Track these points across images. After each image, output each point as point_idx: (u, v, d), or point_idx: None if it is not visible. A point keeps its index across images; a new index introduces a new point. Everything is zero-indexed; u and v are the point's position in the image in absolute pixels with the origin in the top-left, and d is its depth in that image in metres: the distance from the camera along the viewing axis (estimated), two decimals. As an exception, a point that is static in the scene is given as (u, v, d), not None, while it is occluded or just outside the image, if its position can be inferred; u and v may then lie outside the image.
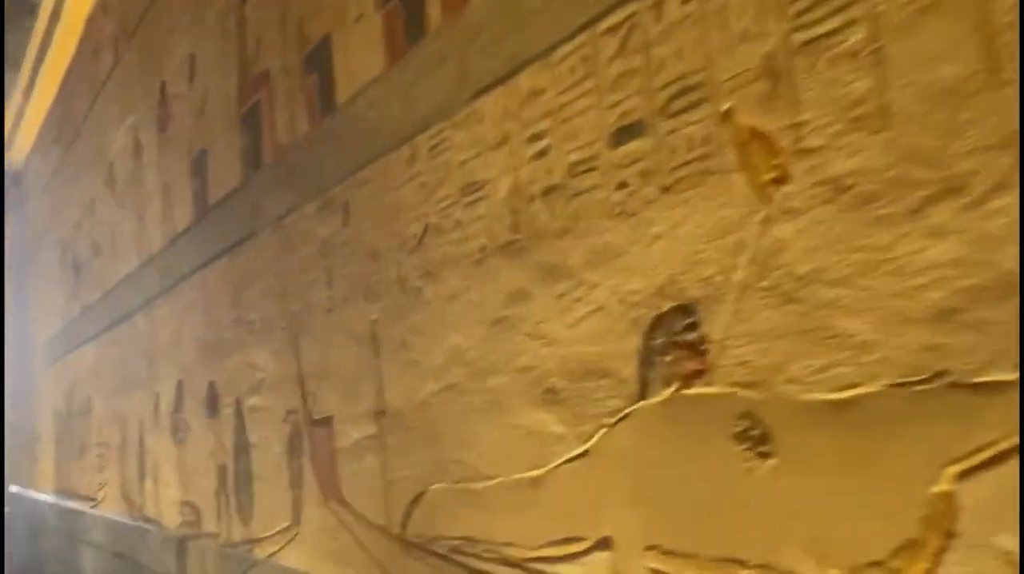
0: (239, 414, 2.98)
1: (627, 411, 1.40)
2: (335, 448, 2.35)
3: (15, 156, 7.80)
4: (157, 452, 3.88)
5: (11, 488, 4.53)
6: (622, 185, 1.41)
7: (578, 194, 1.50)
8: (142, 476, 4.14)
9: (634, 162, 1.39)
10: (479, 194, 1.75)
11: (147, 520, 4.04)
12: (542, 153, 1.58)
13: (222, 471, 3.14)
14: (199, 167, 3.32)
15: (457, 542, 1.84)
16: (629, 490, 1.41)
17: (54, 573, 4.85)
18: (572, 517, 1.52)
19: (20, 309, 7.85)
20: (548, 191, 1.56)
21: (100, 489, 5.03)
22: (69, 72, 5.68)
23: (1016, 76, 0.92)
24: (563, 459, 1.53)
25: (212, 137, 3.20)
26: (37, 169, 7.09)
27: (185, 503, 3.51)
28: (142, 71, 4.06)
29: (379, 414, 2.13)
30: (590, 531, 1.48)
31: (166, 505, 3.76)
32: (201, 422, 3.33)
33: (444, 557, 1.87)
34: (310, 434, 2.49)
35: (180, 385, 3.57)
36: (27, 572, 4.50)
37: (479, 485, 1.77)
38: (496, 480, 1.72)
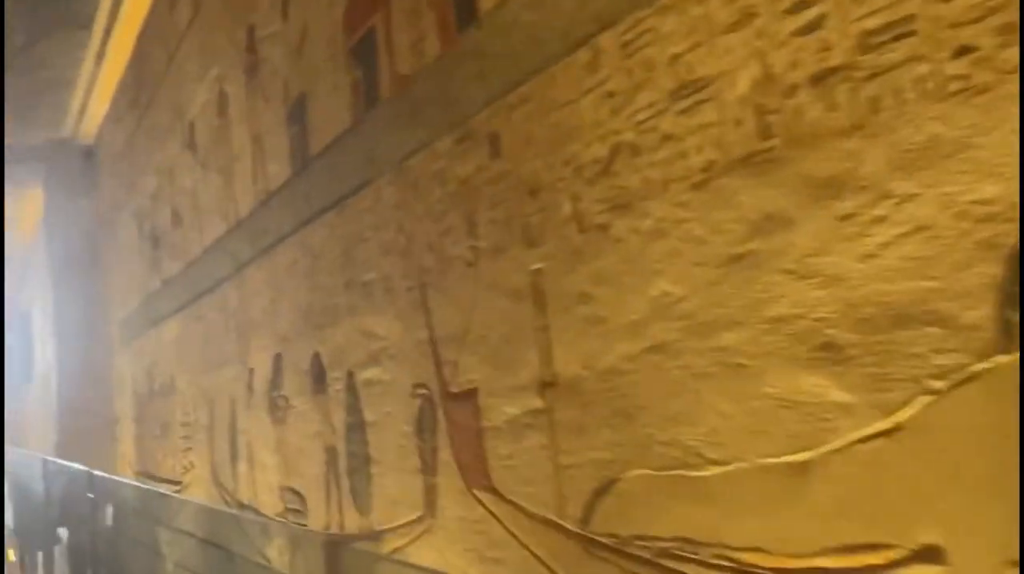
0: (352, 389, 2.64)
1: (973, 370, 1.00)
2: (481, 427, 1.99)
3: (87, 129, 7.61)
4: (252, 433, 3.58)
5: (95, 472, 4.28)
6: (962, 51, 1.00)
7: (877, 74, 1.09)
8: (235, 459, 3.85)
9: (982, 16, 0.98)
10: (701, 95, 1.36)
11: (241, 506, 3.75)
12: (813, 25, 1.17)
13: (331, 453, 2.80)
14: (298, 114, 2.98)
15: (668, 544, 1.46)
16: (972, 481, 1.01)
17: (135, 562, 4.61)
18: (869, 516, 1.12)
19: (95, 289, 7.69)
20: (823, 76, 1.16)
21: (186, 472, 4.78)
22: (144, 31, 5.40)
23: None
24: (853, 438, 1.14)
25: (313, 78, 2.85)
26: (111, 140, 6.87)
27: (287, 489, 3.19)
28: (226, 16, 3.73)
29: (545, 385, 1.76)
30: (902, 537, 1.08)
31: (264, 490, 3.46)
32: (304, 399, 3.01)
33: (648, 561, 1.50)
34: (447, 410, 2.13)
35: (278, 359, 3.25)
36: (107, 560, 4.28)
37: (703, 472, 1.38)
38: (731, 466, 1.33)
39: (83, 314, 7.71)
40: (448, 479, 2.14)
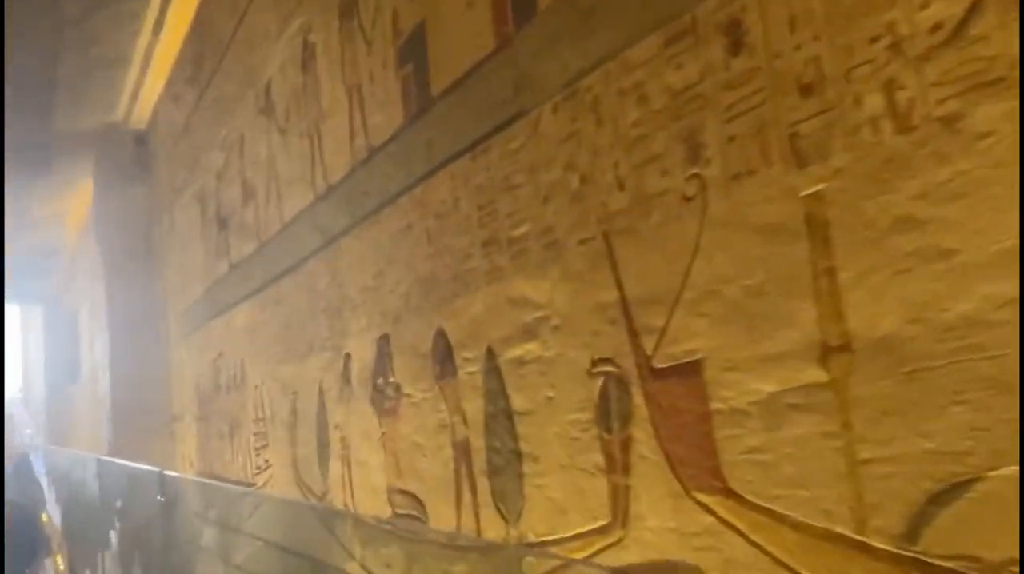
0: (494, 371, 2.19)
1: None
2: (709, 410, 1.52)
3: (139, 113, 7.26)
4: (349, 427, 3.14)
5: (167, 473, 3.88)
6: None
7: None
8: (324, 458, 3.42)
9: None
10: None
11: (332, 511, 3.31)
12: None
13: (462, 449, 2.35)
14: (413, 49, 2.53)
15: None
16: None
17: (203, 571, 4.21)
18: None
19: (150, 281, 7.33)
20: None
21: (259, 473, 4.36)
22: (207, -3, 5.01)
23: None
24: None
25: (434, 1, 2.40)
26: (167, 121, 6.50)
27: (397, 491, 2.75)
28: (314, -44, 3.31)
29: (831, 350, 1.29)
30: None
31: (365, 493, 3.02)
32: (423, 386, 2.56)
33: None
34: (649, 391, 1.66)
35: (384, 341, 2.81)
36: (173, 567, 3.89)
37: None
38: None
39: (137, 308, 7.37)
40: (648, 480, 1.67)
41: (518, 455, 2.10)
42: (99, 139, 7.49)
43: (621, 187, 1.72)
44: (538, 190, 1.98)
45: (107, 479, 6.08)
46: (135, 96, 6.96)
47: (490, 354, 2.21)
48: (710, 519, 1.52)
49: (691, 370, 1.55)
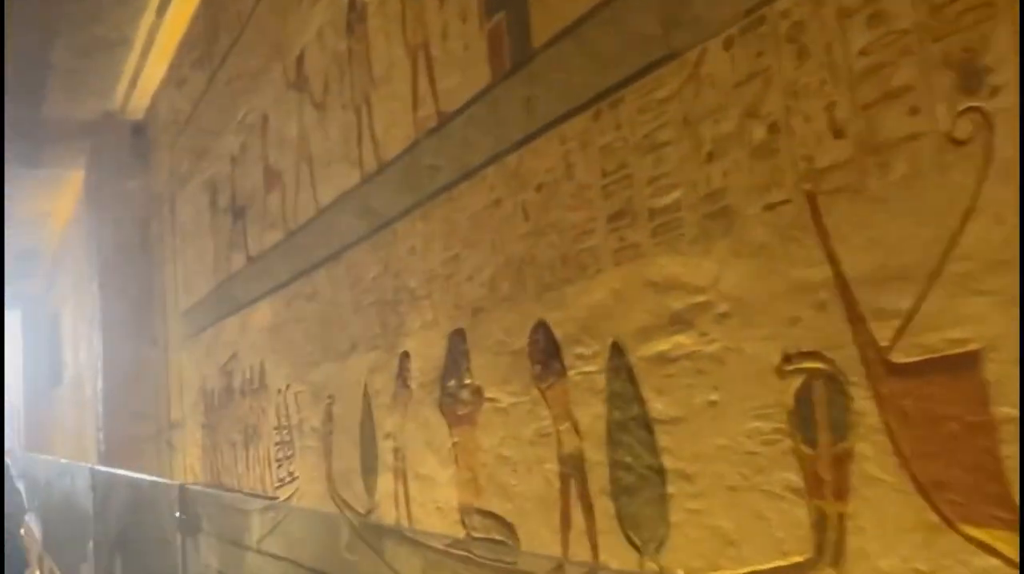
0: (622, 371, 1.81)
1: None
2: (991, 419, 1.16)
3: (137, 101, 6.85)
4: (405, 436, 2.76)
5: (190, 486, 3.48)
6: None
7: None
8: (370, 470, 3.03)
9: None
10: None
11: (382, 530, 2.92)
12: None
13: (571, 464, 1.98)
14: (506, -7, 2.17)
15: None
16: None
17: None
18: None
19: (147, 280, 6.91)
20: None
21: (282, 485, 3.96)
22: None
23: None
24: None
25: (541, -65, 2.03)
26: (171, 108, 6.09)
27: (475, 510, 2.37)
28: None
29: None
30: None
31: (427, 511, 2.63)
32: (514, 389, 2.18)
33: None
34: (883, 393, 1.30)
35: (459, 337, 2.43)
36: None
37: None
38: None
39: (133, 308, 6.95)
40: (880, 507, 1.30)
41: (659, 472, 1.73)
42: (93, 129, 7.06)
43: (839, 134, 1.35)
44: (698, 147, 1.62)
45: (104, 491, 5.65)
46: (134, 83, 6.55)
47: (616, 350, 1.84)
48: (993, 561, 1.15)
49: (961, 365, 1.19)
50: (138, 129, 7.10)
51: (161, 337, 6.56)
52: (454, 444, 2.48)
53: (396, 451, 2.83)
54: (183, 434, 6.02)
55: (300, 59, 3.57)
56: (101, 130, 7.02)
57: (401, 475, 2.80)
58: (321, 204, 3.40)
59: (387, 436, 2.90)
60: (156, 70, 6.16)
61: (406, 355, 2.76)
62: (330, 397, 3.39)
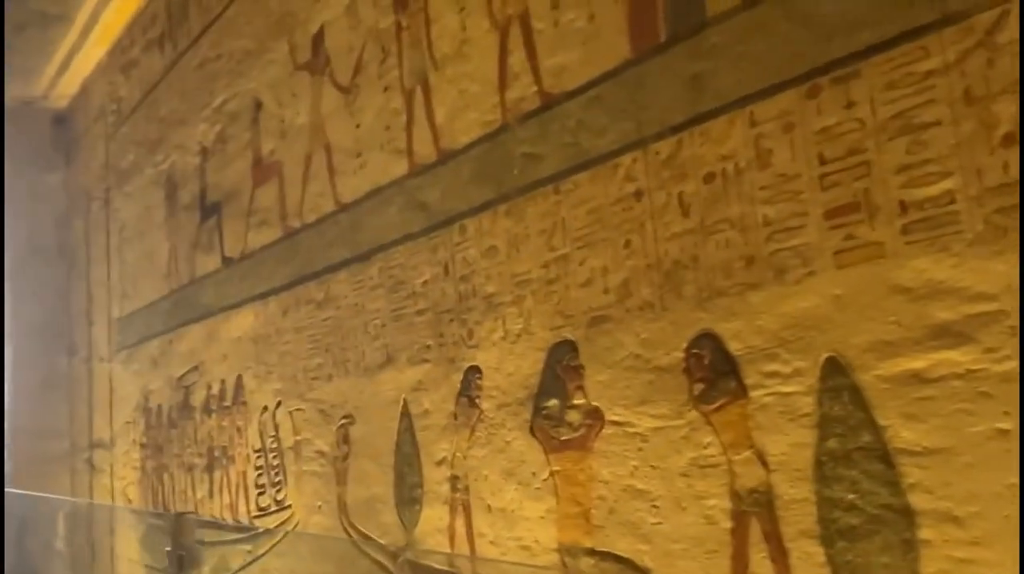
0: (845, 392, 1.53)
1: None
2: None
3: (64, 88, 6.21)
4: (471, 462, 2.40)
5: (188, 515, 3.01)
6: None
7: None
8: (411, 500, 2.64)
9: None
10: None
11: (429, 569, 2.54)
12: None
13: (755, 500, 1.67)
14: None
15: None
16: None
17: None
18: None
19: (67, 283, 6.26)
20: None
21: (266, 515, 3.50)
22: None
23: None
24: None
25: None
26: (109, 94, 5.51)
27: (586, 551, 2.03)
28: None
29: None
30: None
31: (503, 550, 2.28)
32: (658, 411, 1.87)
33: None
34: None
35: (564, 350, 2.10)
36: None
37: None
38: None
39: (48, 314, 6.27)
40: None
41: (905, 514, 1.44)
42: (9, 117, 6.36)
43: None
44: (988, 129, 1.35)
45: (23, 519, 5.01)
46: (65, 66, 5.93)
47: (833, 368, 1.55)
48: None
49: None
50: (60, 119, 6.45)
51: (83, 347, 5.92)
52: (553, 474, 2.13)
53: (455, 480, 2.46)
54: (110, 455, 5.41)
55: (318, 37, 3.17)
56: (18, 118, 6.33)
57: (462, 507, 2.43)
58: (343, 199, 3.00)
59: (440, 463, 2.52)
60: (93, 53, 5.57)
61: (475, 370, 2.40)
62: (347, 417, 2.98)
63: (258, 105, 3.60)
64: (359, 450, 2.92)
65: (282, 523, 3.38)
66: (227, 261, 3.85)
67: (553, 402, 2.13)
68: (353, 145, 2.95)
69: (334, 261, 3.05)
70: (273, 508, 3.45)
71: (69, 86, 6.18)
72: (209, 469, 4.03)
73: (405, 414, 2.68)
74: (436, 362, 2.55)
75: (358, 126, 2.93)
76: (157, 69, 4.70)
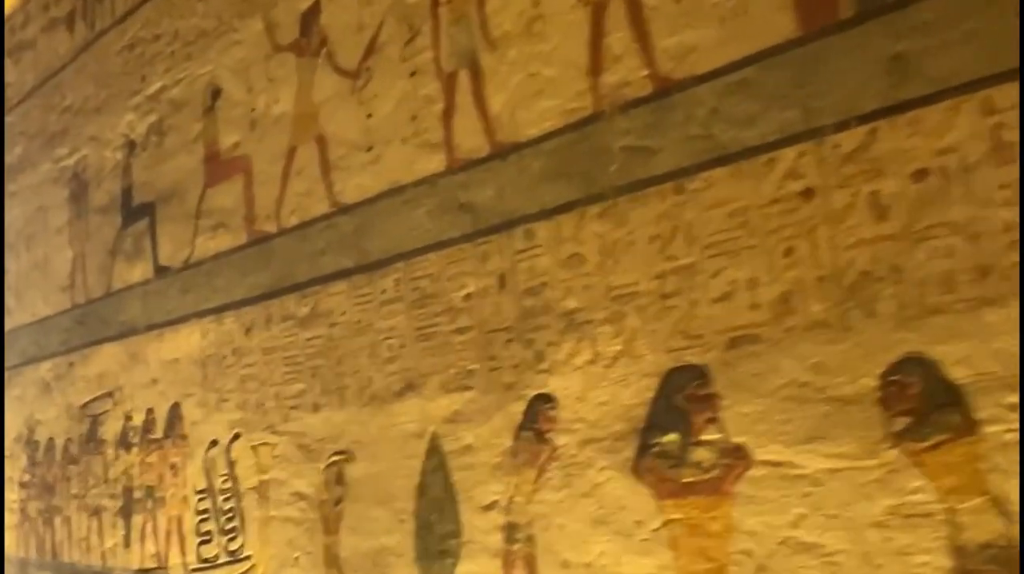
0: None
1: None
2: None
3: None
4: (536, 508, 2.01)
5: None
6: None
7: None
8: (439, 553, 2.22)
9: None
10: None
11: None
12: None
13: (988, 557, 1.39)
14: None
15: None
16: None
17: None
18: None
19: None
20: None
21: (213, 568, 2.96)
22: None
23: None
24: None
25: None
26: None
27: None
28: None
29: None
30: None
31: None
32: (838, 450, 1.56)
33: None
34: None
35: (688, 375, 1.77)
36: None
37: None
38: None
39: None
40: None
41: None
42: None
43: None
44: None
45: None
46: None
47: None
48: None
49: None
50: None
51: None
52: (669, 522, 1.78)
53: (512, 529, 2.06)
54: (-27, 495, 4.60)
55: (310, 14, 2.73)
56: None
57: (523, 562, 2.04)
58: (344, 199, 2.56)
59: (489, 508, 2.12)
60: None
61: (544, 400, 2.02)
62: (341, 453, 2.52)
63: (215, 92, 3.09)
64: (360, 493, 2.46)
65: (238, 578, 2.85)
66: (162, 271, 3.29)
67: (671, 437, 1.79)
68: (361, 137, 2.52)
69: (326, 271, 2.60)
70: (223, 559, 2.91)
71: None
72: (126, 513, 3.41)
73: (435, 451, 2.26)
74: (484, 389, 2.15)
75: (369, 116, 2.50)
76: (62, 52, 4.06)
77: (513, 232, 2.11)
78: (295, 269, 2.71)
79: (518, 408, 2.08)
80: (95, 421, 3.64)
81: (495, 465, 2.12)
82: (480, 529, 2.14)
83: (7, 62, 4.57)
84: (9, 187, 4.46)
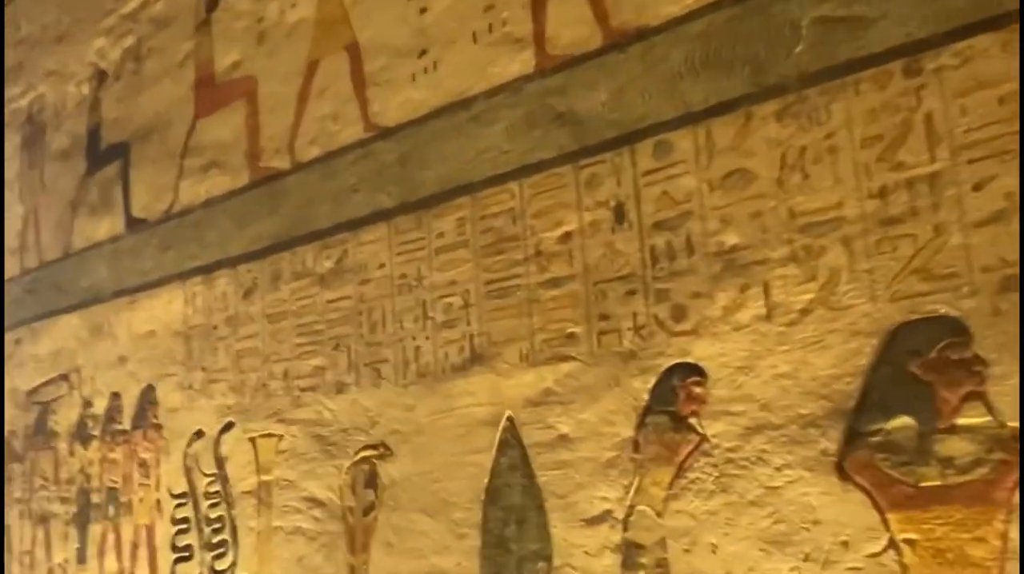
0: None
1: None
2: None
3: None
4: (667, 521, 1.44)
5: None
6: None
7: None
8: (515, 568, 1.65)
9: None
10: None
11: None
12: None
13: None
14: None
15: None
16: None
17: None
18: None
19: None
20: None
21: (192, 592, 2.34)
22: None
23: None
24: None
25: None
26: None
27: None
28: None
29: None
30: None
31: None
32: None
33: None
34: None
35: (929, 332, 1.21)
36: None
37: None
38: None
39: None
40: None
41: None
42: None
43: None
44: None
45: None
46: None
47: None
48: None
49: None
50: None
51: None
52: (897, 544, 1.22)
53: (633, 549, 1.49)
54: None
55: None
56: None
57: (657, 595, 1.46)
58: (383, 121, 1.98)
59: (599, 520, 1.55)
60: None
61: (686, 371, 1.46)
62: (375, 447, 1.93)
63: (212, 2, 2.49)
64: (401, 499, 1.87)
65: (225, 605, 2.23)
66: (136, 224, 2.67)
67: (902, 422, 1.23)
68: (412, 40, 1.95)
69: (358, 213, 2.02)
70: (209, 581, 2.29)
71: None
72: (81, 521, 2.77)
73: (512, 443, 1.68)
74: (590, 359, 1.59)
75: (423, 11, 1.93)
76: (17, -23, 3.41)
77: (637, 147, 1.55)
78: (314, 213, 2.12)
79: (642, 384, 1.52)
80: (45, 409, 2.99)
81: (606, 462, 1.55)
82: (582, 549, 1.57)
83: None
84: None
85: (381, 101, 2.00)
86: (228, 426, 2.30)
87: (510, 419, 1.70)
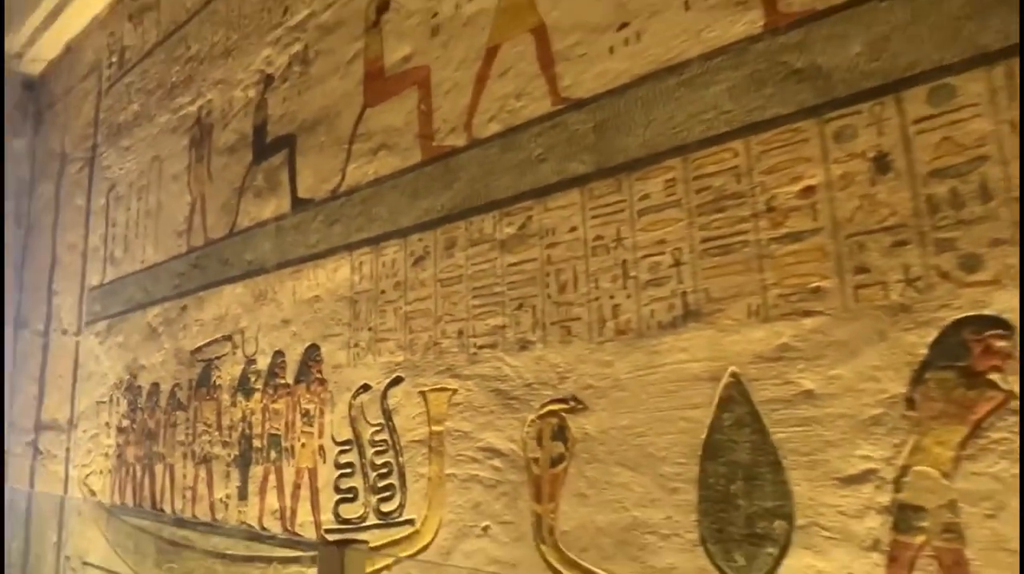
0: None
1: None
2: None
3: (42, 51, 4.07)
4: (958, 485, 0.92)
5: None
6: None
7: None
8: (745, 538, 1.12)
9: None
10: None
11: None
12: None
13: None
14: None
15: None
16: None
17: None
18: None
19: (11, 257, 4.05)
20: None
21: (354, 530, 1.79)
22: None
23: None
24: None
25: None
26: (105, 47, 3.52)
27: None
28: None
29: None
30: None
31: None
32: None
33: None
34: None
35: None
36: None
37: None
38: None
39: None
40: None
41: None
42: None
43: None
44: None
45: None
46: (45, 27, 3.83)
47: None
48: None
49: None
50: (30, 84, 4.26)
51: (38, 319, 3.74)
52: None
53: (909, 512, 0.98)
54: (66, 438, 3.30)
55: None
56: (-14, 77, 4.09)
57: (939, 564, 0.95)
58: (574, 93, 1.46)
59: (860, 479, 1.04)
60: (83, 12, 3.57)
61: (978, 324, 0.95)
62: (565, 401, 1.40)
63: (382, 6, 1.96)
64: (596, 452, 1.34)
65: (392, 543, 1.68)
66: (301, 203, 2.12)
67: None
68: (610, 15, 1.44)
69: (545, 182, 1.49)
70: (372, 521, 1.75)
71: (48, 49, 4.05)
72: (242, 462, 2.20)
73: (737, 399, 1.17)
74: (844, 314, 1.08)
75: (622, -12, 1.41)
76: (190, 4, 2.87)
77: (904, 95, 1.05)
78: (494, 183, 1.60)
79: (919, 338, 1.01)
80: (209, 365, 2.43)
81: (869, 419, 1.04)
82: (835, 509, 1.05)
83: (127, 26, 3.33)
84: (121, 143, 3.22)
85: (572, 76, 1.49)
86: (396, 380, 1.77)
87: (734, 375, 1.18)
